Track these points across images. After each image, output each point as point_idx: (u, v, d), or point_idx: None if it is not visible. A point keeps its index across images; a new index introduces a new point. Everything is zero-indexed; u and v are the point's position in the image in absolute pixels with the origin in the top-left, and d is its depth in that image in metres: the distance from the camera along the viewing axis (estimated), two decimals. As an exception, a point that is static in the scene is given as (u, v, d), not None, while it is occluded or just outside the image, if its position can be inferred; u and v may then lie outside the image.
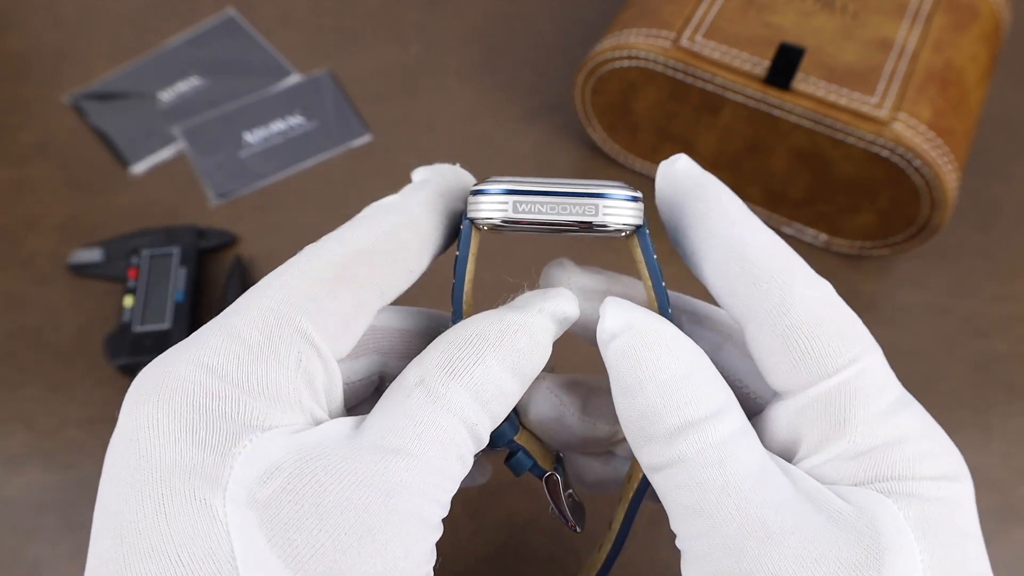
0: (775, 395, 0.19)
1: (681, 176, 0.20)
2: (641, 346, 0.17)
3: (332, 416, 0.18)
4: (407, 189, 0.21)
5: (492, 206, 0.19)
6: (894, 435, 0.18)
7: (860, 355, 0.18)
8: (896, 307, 0.40)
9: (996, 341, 0.39)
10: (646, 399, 0.17)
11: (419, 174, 0.21)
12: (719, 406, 0.17)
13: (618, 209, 0.19)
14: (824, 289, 0.19)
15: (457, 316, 0.20)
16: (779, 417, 0.19)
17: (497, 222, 0.19)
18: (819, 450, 0.18)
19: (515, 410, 0.21)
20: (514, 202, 0.19)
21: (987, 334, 0.39)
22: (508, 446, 0.20)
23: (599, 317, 0.18)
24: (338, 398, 0.18)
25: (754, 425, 0.20)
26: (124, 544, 0.15)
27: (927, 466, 0.18)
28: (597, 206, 0.19)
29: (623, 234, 0.19)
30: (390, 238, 0.19)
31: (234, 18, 0.52)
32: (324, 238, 0.19)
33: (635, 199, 0.19)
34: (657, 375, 0.17)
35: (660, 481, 0.17)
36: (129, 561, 0.15)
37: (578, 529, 0.22)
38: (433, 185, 0.21)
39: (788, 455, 0.19)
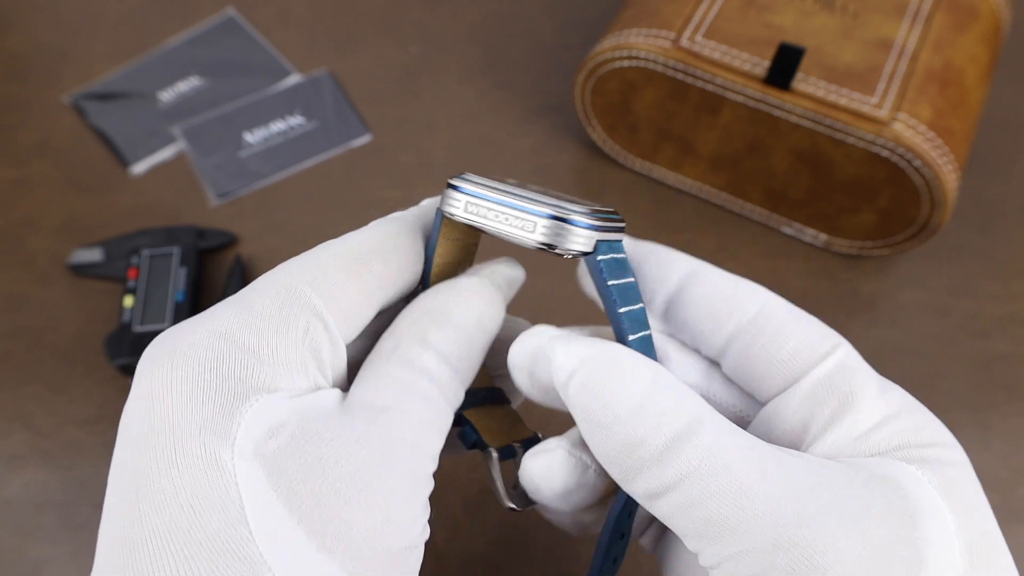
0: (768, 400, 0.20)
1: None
2: (604, 374, 0.17)
3: (335, 387, 0.19)
4: (413, 208, 0.22)
5: (451, 202, 0.20)
6: (892, 409, 0.18)
7: (839, 342, 0.19)
8: (896, 307, 0.40)
9: (996, 341, 0.39)
10: (624, 427, 0.17)
11: (429, 200, 0.23)
12: (697, 412, 0.17)
13: (557, 231, 0.18)
14: (784, 299, 0.20)
15: (425, 288, 0.21)
16: (786, 407, 0.19)
17: (455, 218, 0.20)
18: (830, 428, 0.18)
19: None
20: (466, 202, 0.19)
21: (987, 334, 0.39)
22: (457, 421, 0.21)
23: (549, 360, 0.18)
24: (341, 370, 0.19)
25: (757, 426, 0.20)
26: (139, 497, 0.16)
27: (928, 434, 0.18)
28: (535, 223, 0.18)
29: (567, 256, 0.19)
30: (394, 239, 0.20)
31: (234, 18, 0.52)
32: (337, 237, 0.20)
33: (580, 225, 0.18)
34: (628, 400, 0.17)
35: (666, 506, 0.17)
36: (143, 512, 0.16)
37: (516, 508, 0.22)
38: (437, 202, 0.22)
39: (797, 443, 0.19)
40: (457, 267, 0.22)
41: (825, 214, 0.40)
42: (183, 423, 0.16)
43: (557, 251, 0.19)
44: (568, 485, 0.19)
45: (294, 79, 0.49)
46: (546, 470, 0.19)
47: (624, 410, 0.17)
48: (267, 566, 0.15)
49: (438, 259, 0.21)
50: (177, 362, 0.17)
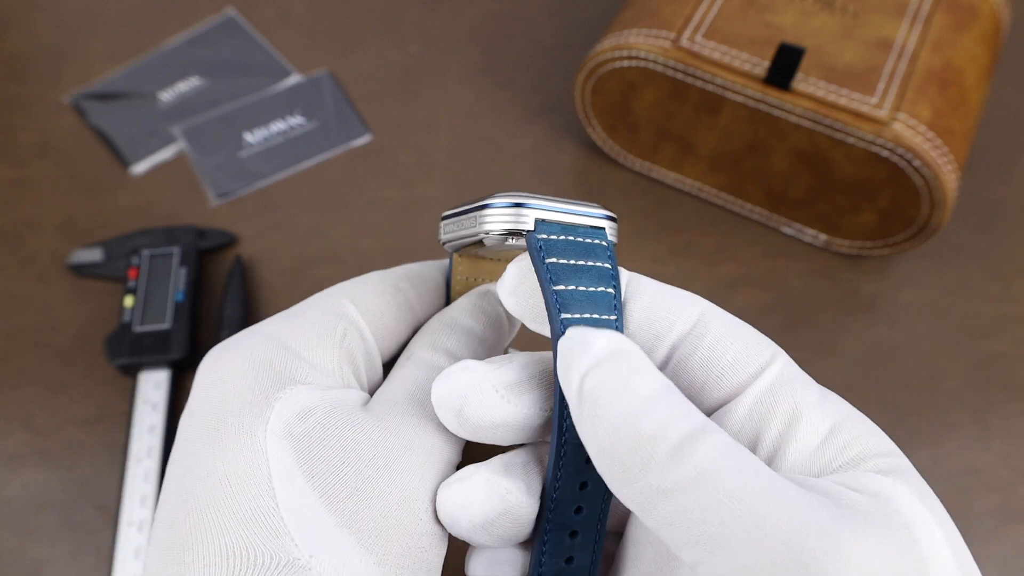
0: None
1: None
2: (628, 366, 0.16)
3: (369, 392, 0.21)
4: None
5: (439, 232, 0.21)
6: (837, 418, 0.18)
7: (777, 351, 0.19)
8: (896, 307, 0.40)
9: (996, 341, 0.39)
10: (637, 420, 0.16)
11: None
12: (704, 416, 0.16)
13: (494, 217, 0.19)
14: (719, 307, 0.20)
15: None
16: (730, 422, 0.19)
17: (442, 244, 0.21)
18: (783, 445, 0.18)
19: None
20: (442, 227, 0.21)
21: (987, 334, 0.39)
22: None
23: (568, 350, 0.17)
24: (377, 378, 0.21)
25: None
26: (187, 470, 0.18)
27: (880, 444, 0.18)
28: (475, 218, 0.19)
29: (511, 240, 0.19)
30: (424, 269, 0.23)
31: (234, 18, 0.52)
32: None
33: (515, 205, 0.19)
34: (643, 390, 0.16)
35: (671, 508, 0.16)
36: (190, 486, 0.18)
37: None
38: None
39: None
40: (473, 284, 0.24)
41: (825, 214, 0.40)
42: (227, 406, 0.18)
43: (511, 238, 0.19)
44: (488, 515, 0.18)
45: (294, 79, 0.49)
46: (462, 498, 0.18)
47: (638, 403, 0.16)
48: (290, 536, 0.17)
49: (456, 286, 0.23)
50: (230, 357, 0.19)
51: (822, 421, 0.18)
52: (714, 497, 0.15)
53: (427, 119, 0.47)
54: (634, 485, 0.16)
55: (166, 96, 0.48)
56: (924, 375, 0.38)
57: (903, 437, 0.36)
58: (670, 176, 0.43)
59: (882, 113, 0.35)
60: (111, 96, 0.48)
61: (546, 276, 0.18)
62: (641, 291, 0.19)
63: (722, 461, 0.15)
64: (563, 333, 0.17)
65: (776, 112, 0.37)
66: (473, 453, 0.21)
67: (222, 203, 0.44)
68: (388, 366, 0.23)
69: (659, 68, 0.38)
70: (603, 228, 0.20)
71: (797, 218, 0.41)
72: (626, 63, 0.39)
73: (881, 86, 0.35)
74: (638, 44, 0.38)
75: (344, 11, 0.52)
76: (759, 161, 0.39)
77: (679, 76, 0.38)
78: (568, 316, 0.18)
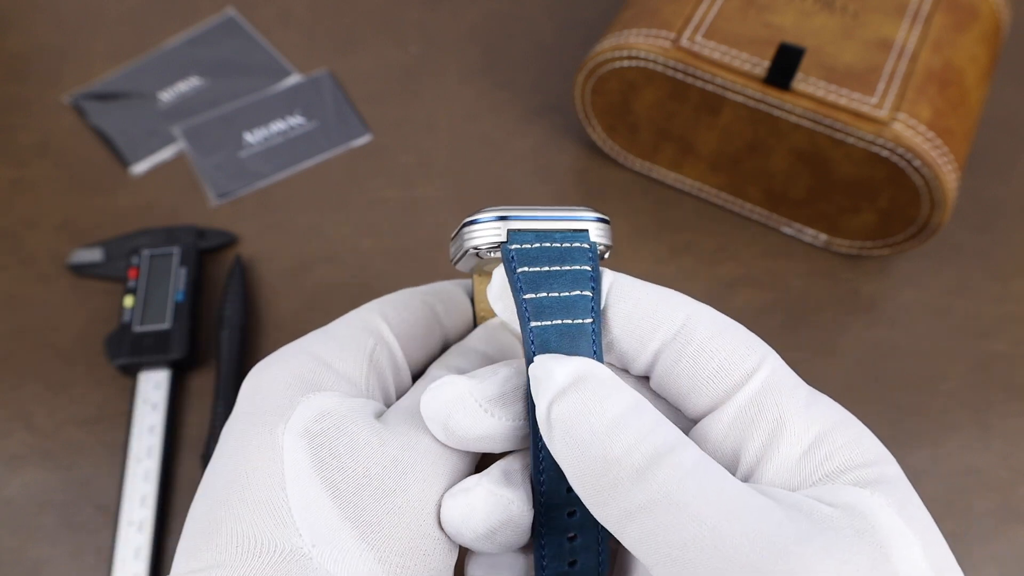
0: (693, 423, 0.20)
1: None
2: (592, 391, 0.17)
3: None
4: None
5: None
6: (825, 424, 0.18)
7: (765, 355, 0.19)
8: (896, 307, 0.40)
9: (996, 341, 0.39)
10: (602, 444, 0.16)
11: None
12: (677, 435, 0.17)
13: (475, 232, 0.20)
14: (710, 308, 0.20)
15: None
16: (714, 432, 0.19)
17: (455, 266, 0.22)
18: (767, 456, 0.18)
19: None
20: (450, 245, 0.22)
21: (987, 334, 0.39)
22: None
23: (536, 379, 0.18)
24: (405, 388, 0.22)
25: None
26: (218, 468, 0.19)
27: (867, 451, 0.18)
28: (463, 234, 0.20)
29: (491, 253, 0.20)
30: (451, 287, 0.25)
31: (234, 18, 0.52)
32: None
33: (498, 218, 0.20)
34: (607, 414, 0.16)
35: (639, 529, 0.16)
36: (218, 480, 0.19)
37: None
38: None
39: (729, 469, 0.18)
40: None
41: (825, 214, 0.40)
42: (258, 410, 0.20)
43: (494, 251, 0.20)
44: (491, 524, 0.19)
45: (294, 79, 0.49)
46: (466, 509, 0.19)
47: (602, 426, 0.16)
48: (295, 526, 0.18)
49: (480, 303, 0.24)
50: (269, 368, 0.21)
51: (807, 430, 0.18)
52: (677, 519, 0.15)
53: (427, 119, 0.47)
54: (605, 507, 0.16)
55: (166, 96, 0.48)
56: (924, 375, 0.38)
57: (903, 437, 0.36)
58: (670, 176, 0.43)
59: (882, 113, 0.35)
60: (111, 96, 0.48)
61: (517, 286, 0.19)
62: (624, 296, 0.19)
63: (686, 481, 0.16)
64: (532, 341, 0.18)
65: (776, 112, 0.37)
66: (489, 459, 0.21)
67: (222, 203, 0.44)
68: (418, 377, 0.24)
69: (659, 68, 0.38)
70: (585, 231, 0.20)
71: (797, 218, 0.41)
72: (626, 63, 0.39)
73: (881, 86, 0.35)
74: (638, 44, 0.38)
75: (344, 11, 0.52)
76: (759, 161, 0.39)
77: (679, 76, 0.38)
78: (537, 324, 0.18)
